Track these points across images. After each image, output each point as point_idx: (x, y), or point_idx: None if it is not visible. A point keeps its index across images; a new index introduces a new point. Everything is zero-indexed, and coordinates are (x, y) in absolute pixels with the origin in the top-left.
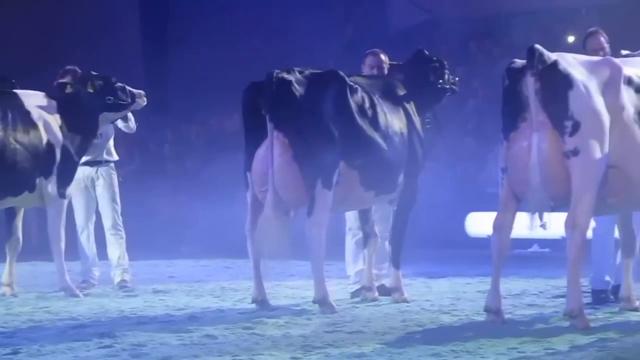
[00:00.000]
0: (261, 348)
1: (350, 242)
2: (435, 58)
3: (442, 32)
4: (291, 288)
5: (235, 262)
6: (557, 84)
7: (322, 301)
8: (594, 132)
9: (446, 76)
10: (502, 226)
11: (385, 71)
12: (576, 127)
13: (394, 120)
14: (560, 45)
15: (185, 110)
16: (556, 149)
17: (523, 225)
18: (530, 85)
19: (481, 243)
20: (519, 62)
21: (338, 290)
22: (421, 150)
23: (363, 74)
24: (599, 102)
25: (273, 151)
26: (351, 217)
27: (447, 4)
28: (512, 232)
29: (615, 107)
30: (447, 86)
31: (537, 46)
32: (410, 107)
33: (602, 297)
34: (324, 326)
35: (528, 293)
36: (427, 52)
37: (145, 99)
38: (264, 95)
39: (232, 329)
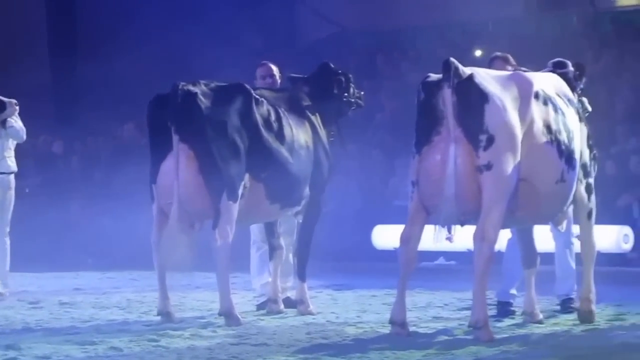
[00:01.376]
0: None
1: (254, 255)
2: (340, 71)
3: (350, 45)
4: (197, 300)
5: (142, 274)
6: (473, 98)
7: (228, 313)
8: (508, 147)
9: (351, 90)
10: (410, 239)
11: (278, 80)
12: (490, 141)
13: (299, 133)
14: (467, 59)
15: (93, 122)
16: (470, 163)
17: (429, 238)
18: (446, 99)
19: (387, 255)
20: (434, 76)
21: (244, 303)
22: (327, 163)
23: (256, 85)
24: (513, 116)
25: (178, 163)
26: (255, 231)
27: (355, 17)
28: (419, 244)
29: (526, 122)
30: (352, 100)
31: (453, 60)
32: (316, 120)
33: (507, 309)
34: (230, 338)
35: (433, 305)
36: (332, 66)
37: (16, 107)
38: (169, 108)
39: (137, 341)
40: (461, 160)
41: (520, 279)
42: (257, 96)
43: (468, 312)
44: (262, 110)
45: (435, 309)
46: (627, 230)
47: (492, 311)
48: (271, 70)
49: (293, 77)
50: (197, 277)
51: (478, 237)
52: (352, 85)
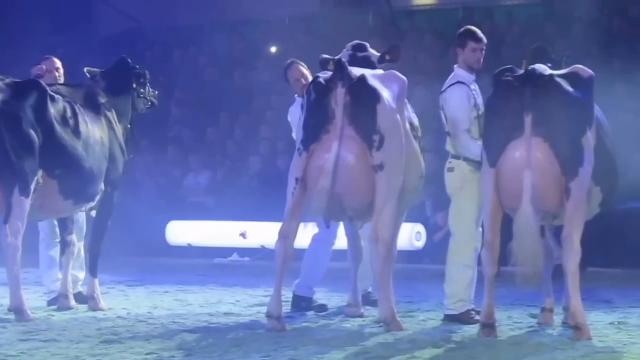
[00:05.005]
0: None
1: (44, 252)
2: (137, 67)
3: (146, 40)
4: None
5: None
6: (366, 99)
7: (18, 309)
8: (396, 146)
9: (147, 88)
10: (288, 234)
11: (61, 75)
12: (382, 141)
13: (95, 129)
14: (263, 55)
15: None
16: (361, 161)
17: (225, 235)
18: (339, 98)
19: (181, 251)
20: (324, 75)
21: (35, 299)
22: (122, 158)
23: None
24: (397, 116)
25: None
26: (45, 227)
27: (152, 12)
28: (211, 240)
29: (403, 120)
30: (148, 98)
31: (344, 60)
32: (112, 115)
33: (303, 304)
34: (19, 334)
35: (225, 302)
36: (129, 61)
37: None
38: None
39: None
40: (353, 158)
41: (321, 274)
42: (52, 92)
43: (259, 308)
44: (57, 107)
45: (227, 305)
46: (419, 227)
47: (288, 306)
48: (54, 63)
49: (90, 70)
50: None
51: (373, 238)
52: (148, 84)
